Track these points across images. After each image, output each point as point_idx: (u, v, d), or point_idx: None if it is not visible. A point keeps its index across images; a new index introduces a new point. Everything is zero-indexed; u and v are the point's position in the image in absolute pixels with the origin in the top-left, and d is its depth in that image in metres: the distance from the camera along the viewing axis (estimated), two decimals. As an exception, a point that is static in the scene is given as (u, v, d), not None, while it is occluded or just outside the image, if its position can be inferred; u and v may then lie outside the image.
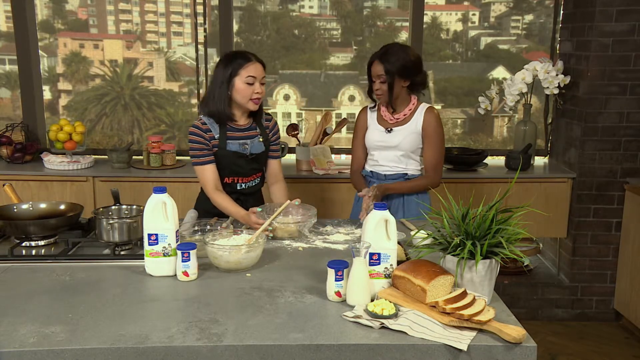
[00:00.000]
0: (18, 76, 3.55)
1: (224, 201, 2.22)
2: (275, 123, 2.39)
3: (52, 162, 3.20)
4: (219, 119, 2.23)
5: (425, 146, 2.43)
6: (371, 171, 2.51)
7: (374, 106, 2.50)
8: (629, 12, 3.04)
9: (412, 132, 2.40)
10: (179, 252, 1.64)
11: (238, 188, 2.32)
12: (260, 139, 2.31)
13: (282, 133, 3.35)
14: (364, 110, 2.54)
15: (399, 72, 2.33)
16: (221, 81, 2.20)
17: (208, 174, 2.25)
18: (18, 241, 1.92)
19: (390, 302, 1.44)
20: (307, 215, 2.08)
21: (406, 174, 2.45)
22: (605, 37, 3.06)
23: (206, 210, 2.29)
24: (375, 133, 2.46)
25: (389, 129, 2.43)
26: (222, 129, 2.24)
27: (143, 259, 1.70)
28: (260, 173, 2.38)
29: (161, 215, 1.66)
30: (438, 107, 3.92)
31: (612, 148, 3.18)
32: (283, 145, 3.30)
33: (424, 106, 2.43)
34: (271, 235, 2.03)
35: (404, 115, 2.42)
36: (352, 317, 1.41)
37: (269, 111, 2.81)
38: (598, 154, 3.19)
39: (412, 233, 1.85)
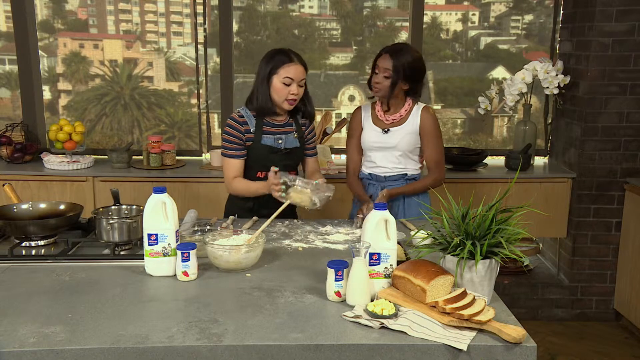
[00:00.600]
0: (18, 76, 3.55)
1: (241, 183, 2.30)
2: (312, 122, 2.43)
3: (52, 162, 3.20)
4: (263, 113, 2.27)
5: (425, 145, 2.43)
6: (370, 174, 2.49)
7: (371, 98, 2.49)
8: (628, 12, 3.04)
9: (410, 132, 2.40)
10: (178, 252, 1.64)
11: None
12: (295, 135, 2.34)
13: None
14: (357, 110, 2.52)
15: (405, 73, 2.32)
16: (262, 77, 2.24)
17: (232, 167, 2.30)
18: (18, 241, 1.91)
19: (390, 302, 1.44)
20: (325, 188, 2.12)
21: (406, 174, 2.45)
22: (605, 37, 3.06)
23: (239, 207, 2.32)
24: (371, 134, 2.45)
25: (386, 130, 2.42)
26: (259, 122, 2.28)
27: (143, 259, 1.70)
28: (294, 172, 2.39)
29: (161, 215, 1.66)
30: (438, 107, 3.92)
31: (612, 148, 3.18)
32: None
33: (419, 106, 2.43)
34: (284, 195, 2.09)
35: (400, 115, 2.41)
36: (352, 317, 1.41)
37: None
38: (598, 154, 3.19)
39: (412, 233, 1.84)
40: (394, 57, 2.31)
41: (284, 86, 2.20)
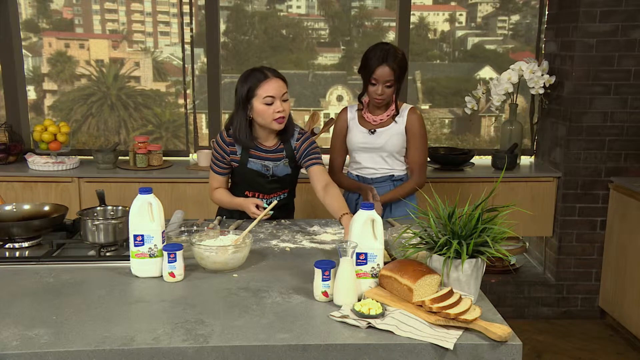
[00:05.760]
0: (1, 76, 3.50)
1: (220, 195, 2.25)
2: (308, 137, 2.21)
3: (37, 163, 3.16)
4: (243, 146, 2.15)
5: (410, 147, 2.42)
6: (357, 175, 2.49)
7: (362, 109, 2.48)
8: (612, 13, 3.07)
9: (397, 133, 2.39)
10: (165, 253, 1.63)
11: None
12: (286, 163, 2.20)
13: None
14: (344, 110, 2.51)
15: (402, 76, 2.33)
16: (238, 104, 2.09)
17: (214, 179, 2.27)
18: (1, 243, 1.89)
19: (377, 301, 1.45)
20: None
21: (393, 175, 2.45)
22: (589, 38, 3.10)
23: (233, 213, 2.29)
24: (357, 135, 2.44)
25: (372, 130, 2.41)
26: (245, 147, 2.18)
27: (129, 260, 1.69)
28: (286, 189, 2.29)
29: (147, 216, 1.64)
30: (425, 107, 3.94)
31: (597, 147, 3.22)
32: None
33: (406, 107, 2.42)
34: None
35: (387, 115, 2.41)
36: (339, 317, 1.41)
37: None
38: (583, 153, 3.23)
39: (394, 236, 1.82)
40: (392, 65, 2.27)
41: (267, 107, 2.04)
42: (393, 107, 2.41)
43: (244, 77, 2.10)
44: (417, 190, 2.44)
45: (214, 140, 2.25)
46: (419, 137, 2.40)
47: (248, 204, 2.11)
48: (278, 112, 2.05)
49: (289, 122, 2.15)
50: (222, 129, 2.25)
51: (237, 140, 2.15)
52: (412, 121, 2.39)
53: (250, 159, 2.18)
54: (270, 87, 2.04)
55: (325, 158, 2.37)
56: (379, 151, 2.41)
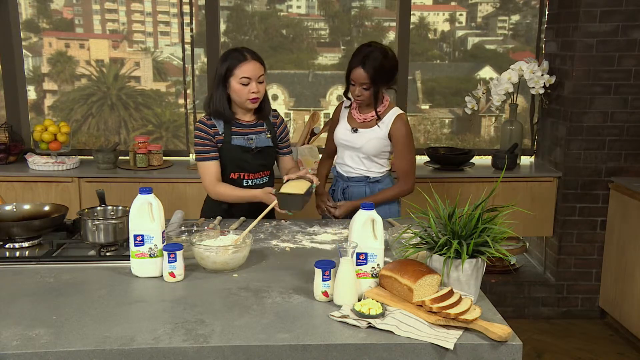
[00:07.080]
0: (1, 76, 3.50)
1: (227, 189, 2.24)
2: (282, 120, 2.36)
3: (37, 162, 3.16)
4: (223, 118, 2.23)
5: (395, 154, 2.40)
6: (337, 171, 2.52)
7: (350, 105, 2.48)
8: (612, 13, 3.07)
9: (378, 137, 2.36)
10: (165, 253, 1.63)
11: (244, 184, 2.29)
12: (268, 135, 2.29)
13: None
14: (340, 104, 2.54)
15: (382, 79, 2.29)
16: (218, 81, 2.18)
17: (210, 171, 2.24)
18: (1, 243, 1.89)
19: (377, 301, 1.45)
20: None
21: (368, 177, 2.42)
22: (590, 38, 3.10)
23: (215, 212, 2.28)
24: (341, 131, 2.45)
25: (355, 129, 2.41)
26: (227, 124, 2.24)
27: (129, 260, 1.69)
28: (268, 172, 2.34)
29: (147, 216, 1.65)
30: (426, 107, 3.94)
31: (597, 147, 3.22)
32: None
33: (394, 112, 2.36)
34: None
35: (372, 116, 2.38)
36: (339, 317, 1.41)
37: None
38: (583, 153, 3.23)
39: (394, 236, 1.82)
40: (367, 69, 2.25)
41: (242, 86, 2.14)
42: (381, 108, 2.37)
43: (224, 56, 2.20)
44: (401, 197, 2.42)
45: (195, 130, 2.26)
46: (403, 144, 2.36)
47: (265, 192, 2.14)
48: (253, 92, 2.16)
49: (265, 102, 2.27)
50: (201, 118, 2.30)
51: (219, 114, 2.21)
52: (396, 128, 2.34)
53: (233, 135, 2.24)
54: (247, 69, 2.14)
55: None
56: (357, 151, 2.40)
